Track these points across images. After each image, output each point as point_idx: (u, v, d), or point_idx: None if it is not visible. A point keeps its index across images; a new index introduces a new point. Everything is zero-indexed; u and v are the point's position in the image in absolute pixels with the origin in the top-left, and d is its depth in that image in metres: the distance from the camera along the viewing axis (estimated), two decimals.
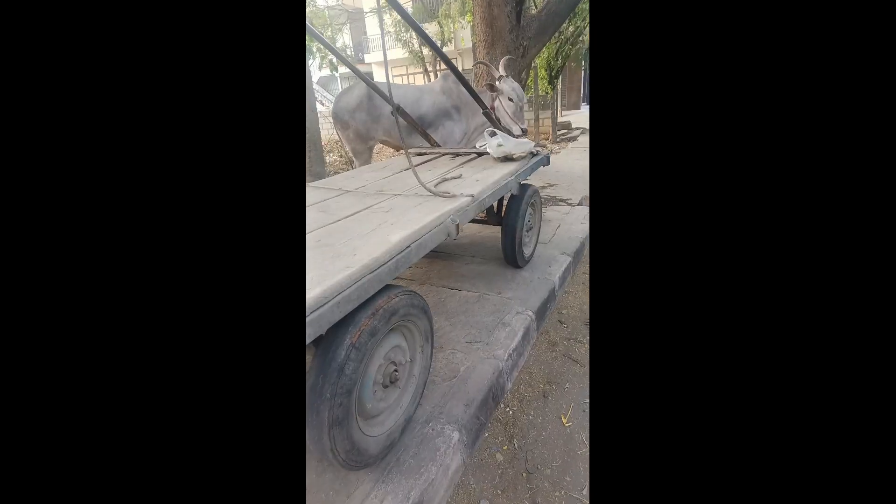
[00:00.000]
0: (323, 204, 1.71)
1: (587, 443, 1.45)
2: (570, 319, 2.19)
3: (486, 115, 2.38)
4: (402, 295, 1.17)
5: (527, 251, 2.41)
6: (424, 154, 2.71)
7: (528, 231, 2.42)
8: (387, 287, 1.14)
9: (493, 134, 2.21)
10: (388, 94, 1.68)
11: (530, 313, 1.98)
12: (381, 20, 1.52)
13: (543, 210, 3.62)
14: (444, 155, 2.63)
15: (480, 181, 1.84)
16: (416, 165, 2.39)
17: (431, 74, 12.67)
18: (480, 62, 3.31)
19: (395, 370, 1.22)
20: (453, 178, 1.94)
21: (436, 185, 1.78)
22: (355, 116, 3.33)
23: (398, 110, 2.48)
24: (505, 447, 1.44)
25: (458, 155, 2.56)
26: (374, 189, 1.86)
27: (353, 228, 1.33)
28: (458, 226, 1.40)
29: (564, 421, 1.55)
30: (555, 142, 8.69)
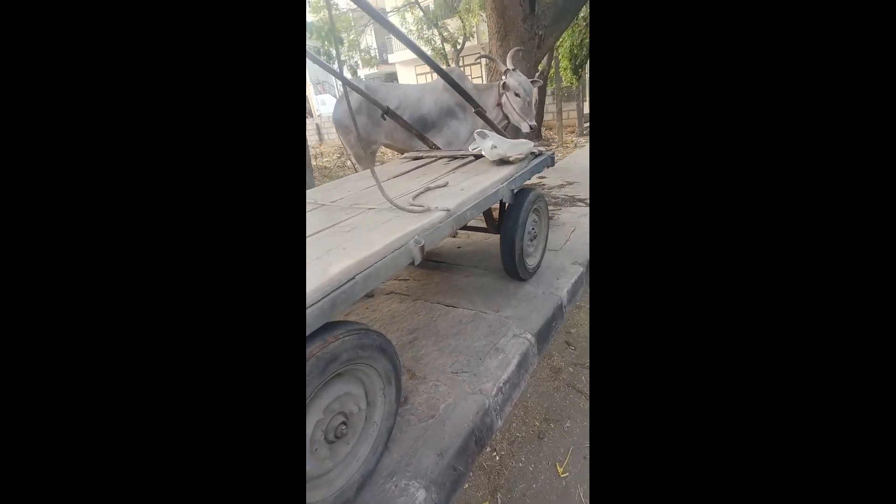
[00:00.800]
0: None
1: (585, 501, 1.22)
2: (580, 340, 1.95)
3: (479, 113, 2.16)
4: (347, 336, 0.99)
5: (530, 262, 2.18)
6: (421, 158, 2.53)
7: (531, 240, 2.18)
8: (328, 327, 0.97)
9: (483, 135, 1.98)
10: (346, 91, 1.50)
11: (529, 336, 1.76)
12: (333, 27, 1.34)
13: (557, 212, 3.35)
14: (440, 158, 2.43)
15: (465, 190, 1.64)
16: (409, 171, 2.21)
17: None
18: (484, 55, 3.08)
19: (344, 422, 1.04)
20: (438, 186, 1.74)
21: (415, 197, 1.59)
22: (356, 121, 3.20)
23: (388, 112, 2.31)
24: (486, 502, 1.24)
25: (454, 158, 2.36)
26: (350, 202, 1.70)
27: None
28: (422, 247, 1.21)
29: (560, 471, 1.32)
30: (581, 135, 8.26)
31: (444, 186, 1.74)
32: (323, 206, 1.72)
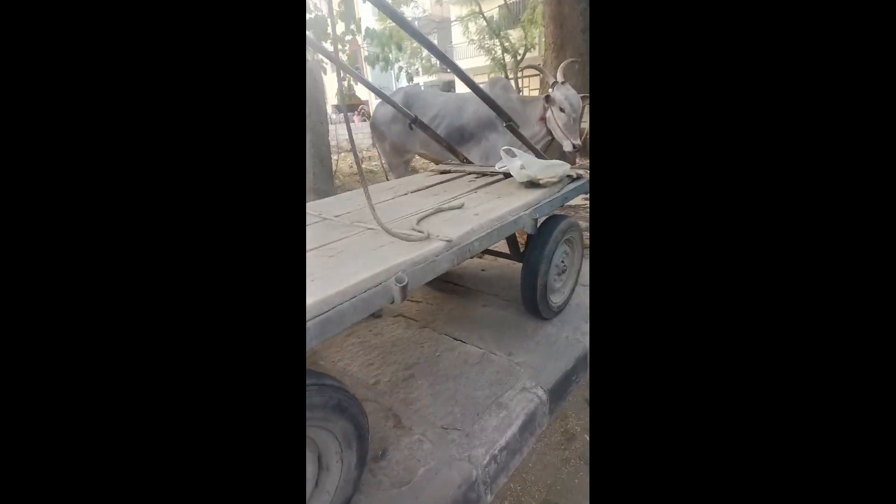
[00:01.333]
0: None
1: None
2: None
3: (510, 128, 1.94)
4: None
5: (555, 300, 1.91)
6: (449, 171, 2.33)
7: (559, 274, 1.91)
8: None
9: (510, 153, 1.75)
10: (341, 88, 1.33)
11: (540, 392, 1.50)
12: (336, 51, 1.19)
13: None
14: (468, 174, 2.23)
15: (480, 215, 1.42)
16: (431, 186, 2.02)
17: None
18: (532, 66, 2.85)
19: None
20: (451, 208, 1.54)
21: (420, 220, 1.40)
22: (391, 128, 3.09)
23: (415, 122, 2.15)
24: None
25: (483, 175, 2.14)
26: (355, 218, 1.54)
27: None
28: (404, 287, 1.01)
29: None
30: None
31: (457, 209, 1.53)
32: (325, 220, 1.57)
